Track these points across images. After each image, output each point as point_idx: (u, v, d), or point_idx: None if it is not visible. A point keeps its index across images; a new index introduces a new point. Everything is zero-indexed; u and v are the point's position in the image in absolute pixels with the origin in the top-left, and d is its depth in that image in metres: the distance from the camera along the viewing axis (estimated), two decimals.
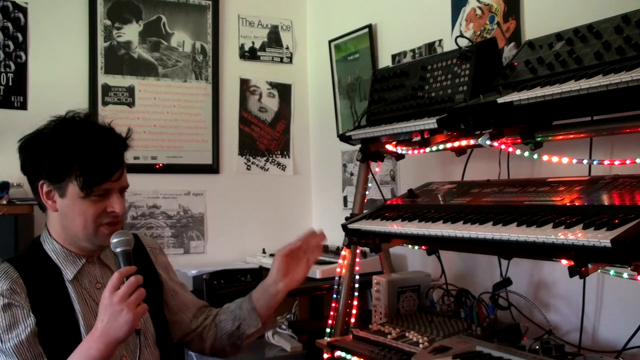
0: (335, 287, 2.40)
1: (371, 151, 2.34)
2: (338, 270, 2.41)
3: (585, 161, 1.65)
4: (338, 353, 1.99)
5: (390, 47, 2.97)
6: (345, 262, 2.37)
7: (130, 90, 3.28)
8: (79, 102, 3.06)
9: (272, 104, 3.66)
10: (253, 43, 3.62)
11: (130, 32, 3.29)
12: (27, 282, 1.50)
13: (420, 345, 1.77)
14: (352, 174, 3.28)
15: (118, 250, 1.51)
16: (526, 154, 1.75)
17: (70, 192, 1.51)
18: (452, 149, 1.98)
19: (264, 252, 3.38)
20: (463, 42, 2.18)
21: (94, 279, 1.61)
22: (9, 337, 1.43)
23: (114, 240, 1.51)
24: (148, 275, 1.53)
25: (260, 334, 1.80)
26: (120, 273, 1.42)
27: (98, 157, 1.52)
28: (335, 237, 3.12)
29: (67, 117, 1.58)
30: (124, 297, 1.38)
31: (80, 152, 1.50)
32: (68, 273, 1.56)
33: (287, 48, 3.71)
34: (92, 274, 1.61)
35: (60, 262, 1.57)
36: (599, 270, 1.43)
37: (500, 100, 1.62)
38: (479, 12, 2.43)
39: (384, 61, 3.00)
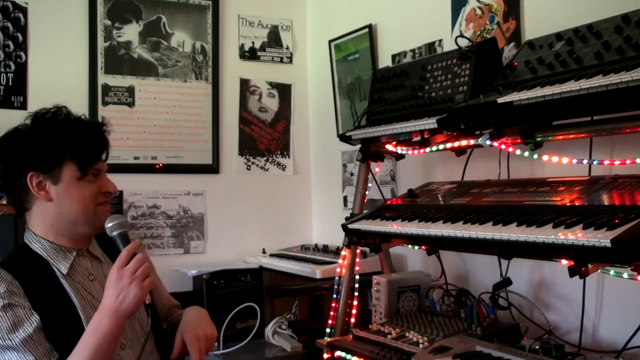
0: (335, 287, 2.40)
1: (371, 151, 2.34)
2: (338, 270, 2.41)
3: (585, 161, 1.65)
4: (338, 353, 1.99)
5: (390, 47, 2.97)
6: (345, 262, 2.37)
7: (130, 90, 3.28)
8: (79, 102, 3.06)
9: (272, 104, 3.66)
10: (253, 43, 3.62)
11: (130, 32, 3.29)
12: (23, 283, 1.50)
13: (420, 345, 1.77)
14: (352, 174, 3.28)
15: (115, 233, 1.55)
16: (526, 154, 1.75)
17: (65, 177, 1.56)
18: (452, 149, 1.98)
19: (264, 252, 3.38)
20: (463, 42, 2.18)
21: (86, 271, 1.62)
22: (15, 334, 1.43)
23: (109, 225, 1.56)
24: None
25: None
26: (128, 250, 1.49)
27: (88, 138, 1.60)
28: (335, 237, 3.13)
29: (40, 112, 1.62)
30: (131, 272, 1.44)
31: (70, 135, 1.57)
32: (62, 268, 1.57)
33: (287, 48, 3.71)
34: (83, 267, 1.63)
35: (51, 259, 1.58)
36: (599, 270, 1.44)
37: (500, 100, 1.62)
38: (479, 12, 2.43)
39: (384, 61, 3.00)
